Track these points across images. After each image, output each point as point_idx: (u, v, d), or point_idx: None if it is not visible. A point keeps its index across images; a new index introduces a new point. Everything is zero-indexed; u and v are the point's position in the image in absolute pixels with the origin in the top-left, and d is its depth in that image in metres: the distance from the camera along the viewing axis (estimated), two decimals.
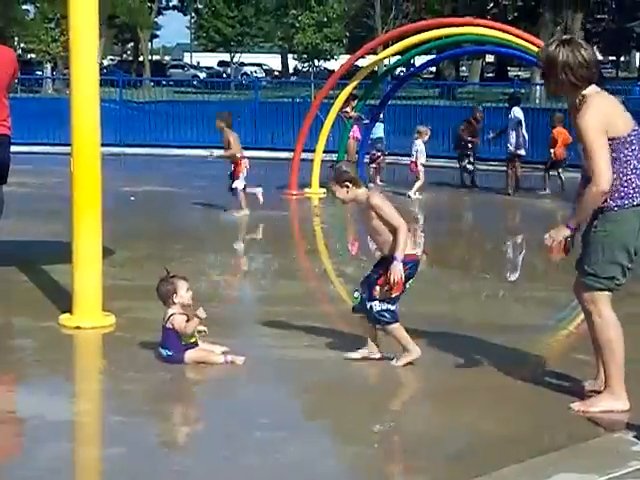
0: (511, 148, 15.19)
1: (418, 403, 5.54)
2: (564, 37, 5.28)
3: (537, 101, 28.51)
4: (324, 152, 14.88)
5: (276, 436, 4.89)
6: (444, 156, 18.07)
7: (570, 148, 14.88)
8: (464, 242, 11.87)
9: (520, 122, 15.18)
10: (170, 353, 6.12)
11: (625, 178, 5.07)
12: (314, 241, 11.76)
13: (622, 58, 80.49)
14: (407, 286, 6.02)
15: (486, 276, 9.26)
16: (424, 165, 14.92)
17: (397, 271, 5.88)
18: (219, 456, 4.65)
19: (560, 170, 15.04)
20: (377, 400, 5.77)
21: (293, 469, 4.53)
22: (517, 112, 15.30)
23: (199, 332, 6.19)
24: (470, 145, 15.79)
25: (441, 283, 8.79)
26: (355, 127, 15.75)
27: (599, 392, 5.30)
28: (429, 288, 8.54)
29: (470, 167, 15.78)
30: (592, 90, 5.16)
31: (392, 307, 6.03)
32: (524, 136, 15.26)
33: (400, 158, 17.05)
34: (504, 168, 15.34)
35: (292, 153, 15.24)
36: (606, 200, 5.07)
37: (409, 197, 14.25)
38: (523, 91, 28.14)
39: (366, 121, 15.75)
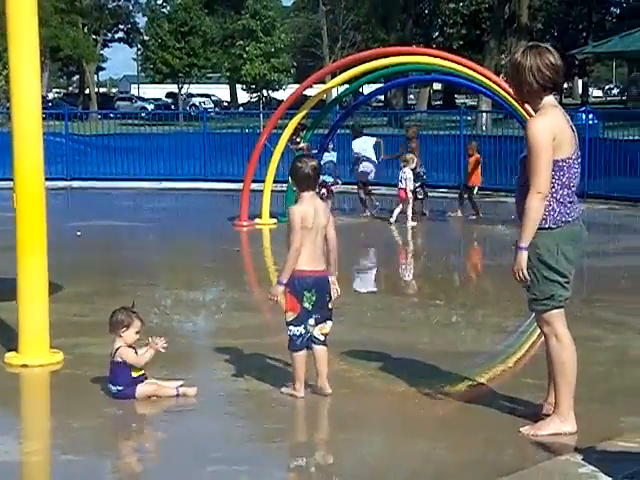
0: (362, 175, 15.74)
1: (370, 432, 5.51)
2: (531, 44, 5.42)
3: (483, 128, 28.82)
4: (274, 182, 14.87)
5: (230, 470, 4.84)
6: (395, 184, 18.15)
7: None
8: (416, 268, 11.91)
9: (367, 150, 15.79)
10: (120, 388, 6.04)
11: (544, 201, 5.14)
12: (266, 272, 11.72)
13: (565, 85, 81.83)
14: (306, 306, 5.98)
15: (438, 302, 9.28)
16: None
17: (272, 291, 5.95)
18: None
19: (473, 195, 15.53)
20: (331, 431, 5.76)
21: None
22: (355, 144, 15.96)
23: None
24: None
25: (393, 310, 8.80)
26: None
27: (548, 415, 5.33)
28: (381, 315, 8.57)
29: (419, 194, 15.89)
30: (551, 102, 5.25)
31: (294, 331, 6.00)
32: (374, 163, 15.98)
33: (349, 187, 17.12)
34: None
35: (241, 184, 15.22)
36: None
37: (389, 223, 14.35)
38: (470, 118, 28.47)
39: (315, 151, 15.78)
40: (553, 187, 5.15)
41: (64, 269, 9.50)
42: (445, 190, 17.41)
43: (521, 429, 5.29)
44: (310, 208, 6.02)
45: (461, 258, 12.13)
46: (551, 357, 5.29)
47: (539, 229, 5.15)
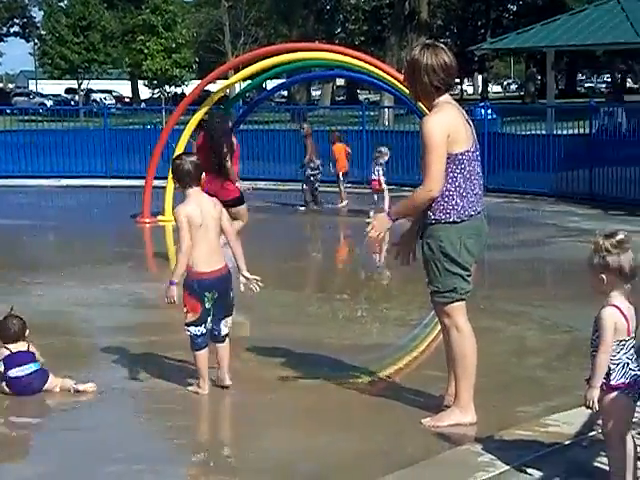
0: None
1: (275, 426, 5.52)
2: (427, 42, 5.45)
3: (386, 123, 29.08)
4: None
5: (130, 470, 4.78)
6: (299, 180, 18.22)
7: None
8: (319, 263, 11.96)
9: None
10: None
11: (447, 194, 5.23)
12: (167, 269, 11.60)
13: (465, 80, 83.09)
14: (207, 306, 5.97)
15: (344, 297, 9.32)
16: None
17: (167, 294, 5.91)
18: None
19: (342, 181, 16.29)
20: (235, 426, 5.76)
21: None
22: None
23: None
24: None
25: (299, 306, 8.82)
26: None
27: (449, 407, 5.42)
28: (286, 312, 8.58)
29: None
30: (446, 99, 5.32)
31: (194, 331, 5.98)
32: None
33: (254, 183, 17.07)
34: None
35: (144, 181, 15.05)
36: (428, 213, 5.23)
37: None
38: (372, 113, 28.69)
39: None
40: (456, 181, 5.22)
41: None
42: (348, 185, 17.50)
43: (422, 420, 5.36)
44: (195, 206, 5.97)
45: (364, 252, 12.20)
46: (451, 349, 5.37)
47: (443, 222, 5.22)
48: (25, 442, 5.49)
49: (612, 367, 3.98)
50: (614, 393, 3.98)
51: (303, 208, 15.93)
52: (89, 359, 7.05)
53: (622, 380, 3.97)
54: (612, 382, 3.97)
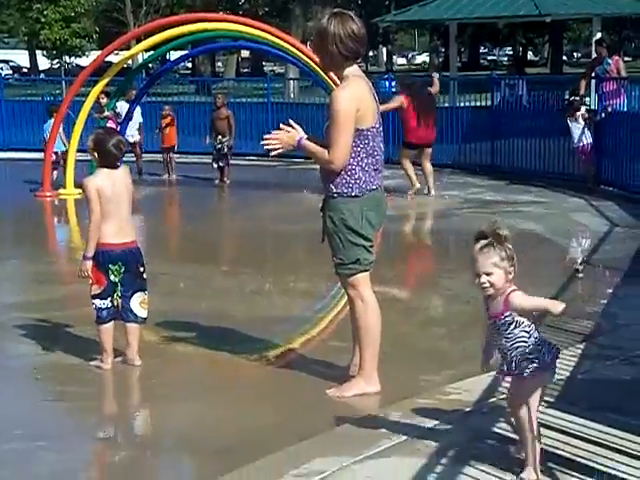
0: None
1: (180, 401, 5.50)
2: (335, 10, 5.43)
3: (291, 95, 29.01)
4: (78, 152, 14.46)
5: (31, 447, 4.71)
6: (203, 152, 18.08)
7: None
8: (226, 236, 11.92)
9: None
10: None
11: (350, 168, 5.26)
12: (70, 243, 11.43)
13: (370, 53, 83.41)
14: (112, 279, 5.91)
15: (249, 270, 9.30)
16: None
17: (81, 268, 5.85)
18: None
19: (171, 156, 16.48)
20: (140, 402, 5.73)
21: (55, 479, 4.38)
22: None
23: None
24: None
25: (204, 280, 8.78)
26: (111, 124, 15.40)
27: (353, 377, 5.48)
28: (192, 285, 8.53)
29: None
30: (354, 71, 5.32)
31: (99, 304, 5.94)
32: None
33: (155, 155, 16.94)
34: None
35: (43, 153, 14.73)
36: (330, 187, 5.27)
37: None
38: (277, 85, 28.56)
39: (119, 120, 15.46)
40: (359, 156, 5.25)
41: None
42: (254, 158, 17.45)
43: (327, 391, 5.41)
44: (106, 179, 5.90)
45: (270, 224, 12.21)
46: (356, 320, 5.42)
47: (346, 196, 5.27)
48: None
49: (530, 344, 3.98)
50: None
51: (217, 181, 15.74)
52: None
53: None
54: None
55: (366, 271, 5.40)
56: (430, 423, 4.70)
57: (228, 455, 4.57)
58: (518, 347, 3.94)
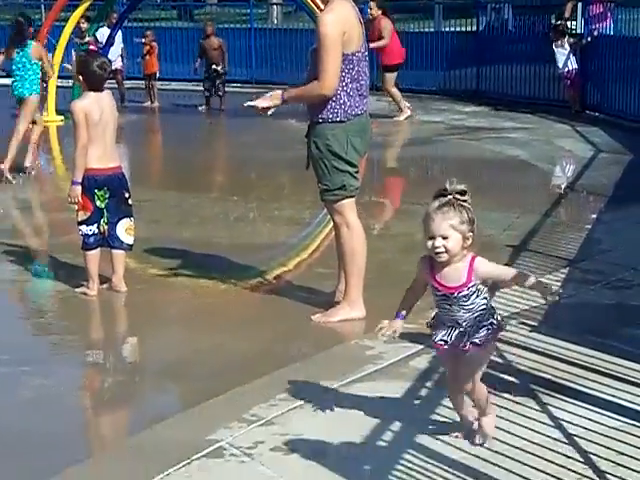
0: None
1: (165, 327, 5.52)
2: None
3: (275, 21, 28.65)
4: (59, 78, 14.27)
5: (16, 371, 4.73)
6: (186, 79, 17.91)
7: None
8: (210, 164, 11.85)
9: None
10: None
11: (335, 93, 5.20)
12: (54, 169, 11.34)
13: None
14: (98, 205, 5.90)
15: (234, 198, 9.27)
16: None
17: (70, 194, 5.84)
18: None
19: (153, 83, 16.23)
20: (126, 328, 5.76)
21: (40, 403, 4.41)
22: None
23: None
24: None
25: (188, 207, 8.74)
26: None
27: (338, 303, 5.50)
28: (176, 213, 8.50)
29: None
30: None
31: (85, 230, 5.92)
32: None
33: (137, 82, 16.76)
34: None
35: None
36: (315, 113, 5.24)
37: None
38: (261, 11, 28.16)
39: (100, 46, 15.23)
40: (344, 81, 5.20)
41: None
42: (237, 85, 17.28)
43: (312, 317, 5.44)
44: (94, 102, 5.85)
45: (254, 152, 12.14)
46: (342, 246, 5.43)
47: (330, 122, 5.23)
48: None
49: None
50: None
51: (203, 107, 15.62)
52: None
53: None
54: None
55: (352, 197, 5.39)
56: (415, 347, 4.73)
57: (214, 380, 4.60)
58: (477, 316, 3.50)
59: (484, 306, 3.51)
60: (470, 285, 3.46)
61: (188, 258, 6.81)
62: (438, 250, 3.41)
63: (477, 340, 3.50)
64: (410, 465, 3.54)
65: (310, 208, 8.20)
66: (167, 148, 13.26)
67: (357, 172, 5.37)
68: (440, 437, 3.75)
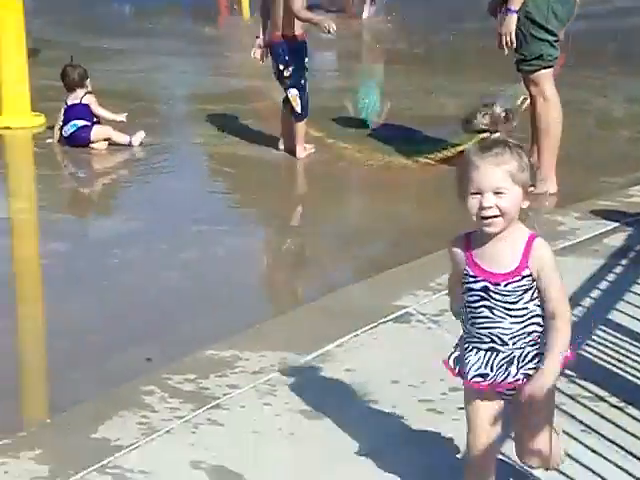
0: None
1: (356, 196, 5.56)
2: None
3: None
4: None
5: (213, 230, 4.86)
6: None
7: None
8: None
9: None
10: (80, 125, 6.22)
11: None
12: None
13: None
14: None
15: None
16: None
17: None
18: (158, 250, 4.59)
19: None
20: (316, 194, 5.78)
21: (232, 260, 4.52)
22: None
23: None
24: None
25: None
26: None
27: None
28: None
29: None
30: None
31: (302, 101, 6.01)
32: None
33: None
34: None
35: None
36: None
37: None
38: None
39: None
40: None
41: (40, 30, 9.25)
42: None
43: None
44: None
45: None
46: (537, 118, 5.24)
47: None
48: (111, 201, 5.65)
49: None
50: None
51: None
52: (165, 127, 7.10)
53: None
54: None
55: (550, 67, 5.18)
56: (610, 224, 4.55)
57: (397, 249, 4.61)
58: (529, 332, 2.27)
59: (538, 318, 2.26)
60: (525, 274, 2.22)
61: (374, 132, 6.71)
62: (488, 213, 2.18)
63: (532, 370, 2.26)
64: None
65: (501, 81, 7.92)
66: None
67: (557, 41, 5.14)
68: None
